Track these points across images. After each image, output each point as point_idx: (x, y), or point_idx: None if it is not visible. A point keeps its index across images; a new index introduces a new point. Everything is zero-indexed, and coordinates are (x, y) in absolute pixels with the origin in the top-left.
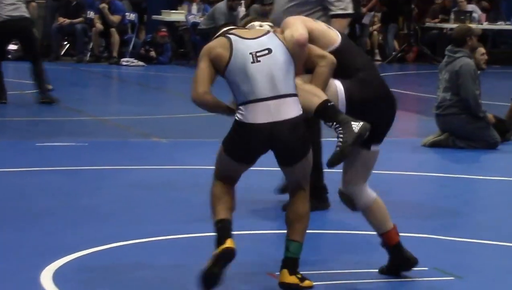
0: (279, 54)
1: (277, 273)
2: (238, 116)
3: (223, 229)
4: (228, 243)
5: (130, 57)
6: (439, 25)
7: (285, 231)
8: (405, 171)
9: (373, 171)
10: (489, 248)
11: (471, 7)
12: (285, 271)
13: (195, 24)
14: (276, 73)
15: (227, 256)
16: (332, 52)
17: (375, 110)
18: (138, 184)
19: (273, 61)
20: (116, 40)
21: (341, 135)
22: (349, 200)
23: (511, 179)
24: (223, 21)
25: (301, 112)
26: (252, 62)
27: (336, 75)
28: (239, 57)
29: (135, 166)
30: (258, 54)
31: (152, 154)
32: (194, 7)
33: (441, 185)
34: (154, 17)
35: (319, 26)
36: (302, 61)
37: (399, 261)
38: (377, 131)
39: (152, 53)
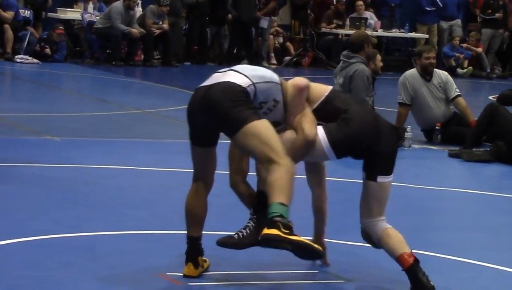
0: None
1: (168, 274)
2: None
3: (189, 248)
4: (186, 270)
5: (25, 54)
6: (334, 30)
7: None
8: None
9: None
10: (381, 252)
11: (367, 14)
12: (264, 228)
13: (91, 23)
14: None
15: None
16: (322, 101)
17: (365, 143)
18: (30, 181)
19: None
20: (10, 36)
21: (247, 229)
22: (368, 236)
23: (404, 184)
24: (119, 20)
25: (244, 85)
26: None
27: (328, 121)
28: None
29: (27, 163)
30: None
31: (44, 152)
32: (90, 6)
33: (335, 189)
34: (50, 14)
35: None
36: (295, 109)
37: (414, 286)
38: (378, 162)
39: (47, 51)
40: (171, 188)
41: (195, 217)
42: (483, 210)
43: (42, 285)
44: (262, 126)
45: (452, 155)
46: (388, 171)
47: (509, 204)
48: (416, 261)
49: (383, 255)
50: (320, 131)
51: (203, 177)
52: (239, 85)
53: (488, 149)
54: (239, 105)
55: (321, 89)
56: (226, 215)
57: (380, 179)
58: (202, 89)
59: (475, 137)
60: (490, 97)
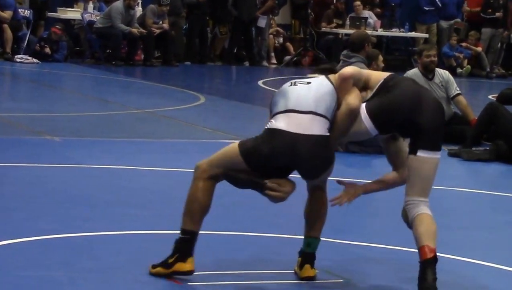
0: (318, 84)
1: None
2: (268, 125)
3: (188, 243)
4: (190, 266)
5: (25, 54)
6: (334, 30)
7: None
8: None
9: None
10: (378, 252)
11: (367, 13)
12: (308, 266)
13: (91, 23)
14: (306, 92)
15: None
16: (380, 86)
17: (403, 114)
18: (31, 181)
19: (309, 87)
20: (9, 36)
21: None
22: (405, 216)
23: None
24: (119, 20)
25: (327, 133)
26: (289, 86)
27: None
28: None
29: (28, 163)
30: (297, 81)
31: (44, 151)
32: (90, 6)
33: (336, 188)
34: (50, 14)
35: (370, 71)
36: (344, 93)
37: (418, 282)
38: (420, 135)
39: (47, 50)
40: (171, 188)
41: (205, 213)
42: (483, 209)
43: (43, 285)
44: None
45: (452, 154)
46: (430, 146)
47: (509, 203)
48: (434, 258)
49: (382, 255)
50: (362, 105)
51: (219, 177)
52: (326, 137)
53: (488, 148)
54: (323, 157)
55: (380, 75)
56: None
57: (421, 153)
58: (291, 140)
59: (475, 136)
60: (490, 97)
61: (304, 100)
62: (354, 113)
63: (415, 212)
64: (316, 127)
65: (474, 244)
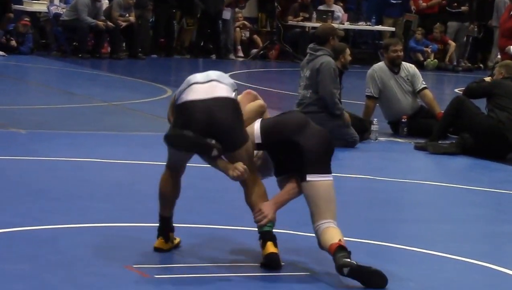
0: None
1: (135, 266)
2: (177, 102)
3: (161, 225)
4: (156, 243)
5: None
6: (301, 23)
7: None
8: None
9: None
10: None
11: (335, 7)
12: (270, 243)
13: (57, 15)
14: (206, 74)
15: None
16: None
17: (286, 131)
18: None
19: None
20: None
21: None
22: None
23: (369, 177)
24: (85, 13)
25: (234, 98)
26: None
27: None
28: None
29: None
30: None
31: (9, 144)
32: None
33: None
34: (16, 7)
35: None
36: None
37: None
38: (304, 158)
39: (13, 43)
40: (136, 181)
41: (168, 199)
42: (449, 202)
43: (6, 278)
44: (251, 146)
45: (418, 148)
46: (316, 169)
47: (475, 196)
48: (340, 246)
49: (350, 247)
50: (256, 125)
51: (179, 167)
52: (235, 100)
53: (454, 142)
54: (240, 122)
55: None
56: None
57: (310, 177)
58: (201, 106)
59: (441, 130)
60: (457, 90)
61: (205, 75)
62: (262, 110)
63: (320, 233)
64: (220, 90)
65: (439, 237)
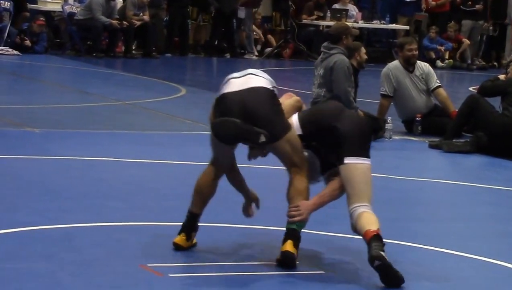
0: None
1: (149, 265)
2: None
3: (188, 222)
4: (177, 239)
5: (5, 46)
6: (315, 22)
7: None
8: (273, 165)
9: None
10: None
11: (349, 5)
12: (290, 241)
13: (71, 14)
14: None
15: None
16: None
17: (327, 120)
18: (10, 173)
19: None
20: None
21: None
22: (354, 227)
23: (384, 175)
24: (100, 12)
25: (272, 88)
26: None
27: None
28: None
29: (7, 155)
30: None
31: (24, 143)
32: None
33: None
34: (30, 6)
35: None
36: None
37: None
38: (342, 142)
39: (27, 43)
40: (152, 180)
41: (202, 196)
42: (464, 200)
43: (22, 277)
44: (296, 137)
45: (432, 146)
46: (355, 152)
47: (489, 195)
48: (377, 235)
49: (365, 246)
50: (295, 117)
51: (222, 164)
52: (272, 90)
53: (468, 140)
54: (279, 112)
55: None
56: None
57: (348, 160)
58: (236, 96)
59: (455, 128)
60: (471, 89)
61: (243, 72)
62: (299, 104)
63: (355, 216)
64: (256, 82)
65: (454, 236)
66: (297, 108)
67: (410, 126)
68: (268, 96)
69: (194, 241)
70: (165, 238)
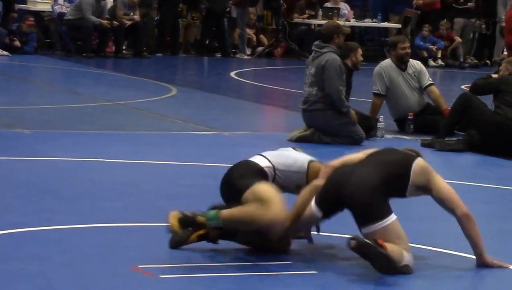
0: (298, 155)
1: (140, 266)
2: None
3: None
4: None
5: None
6: (307, 21)
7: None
8: None
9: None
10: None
11: (341, 4)
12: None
13: (61, 14)
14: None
15: None
16: None
17: (335, 191)
18: (1, 174)
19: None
20: None
21: None
22: None
23: None
24: (90, 11)
25: (262, 164)
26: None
27: None
28: None
29: None
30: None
31: (15, 144)
32: None
33: None
34: (20, 6)
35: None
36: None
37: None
38: (353, 210)
39: (17, 43)
40: (143, 180)
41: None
42: None
43: (14, 278)
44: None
45: (425, 145)
46: (367, 220)
47: (482, 193)
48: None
49: None
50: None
51: None
52: (257, 164)
53: (460, 138)
54: (246, 176)
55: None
56: None
57: (364, 230)
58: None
59: (448, 126)
60: (463, 87)
61: (274, 151)
62: (314, 191)
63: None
64: (258, 160)
65: (447, 234)
66: (314, 193)
67: (402, 125)
68: (247, 168)
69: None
70: (157, 239)
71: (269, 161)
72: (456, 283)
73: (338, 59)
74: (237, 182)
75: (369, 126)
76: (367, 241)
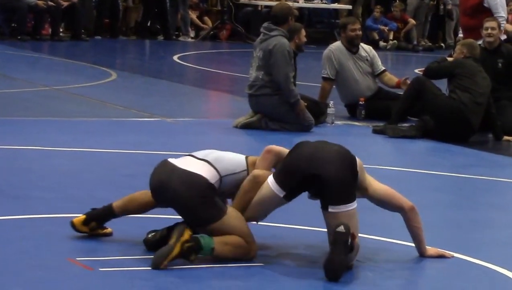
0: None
1: (78, 258)
2: None
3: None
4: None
5: None
6: (253, 2)
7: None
8: None
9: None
10: (298, 233)
11: None
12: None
13: None
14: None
15: None
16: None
17: (299, 170)
18: None
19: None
20: None
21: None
22: None
23: None
24: None
25: (211, 180)
26: None
27: None
28: None
29: None
30: None
31: None
32: None
33: None
34: None
35: None
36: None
37: None
38: (325, 189)
39: None
40: (81, 169)
41: (134, 202)
42: (409, 187)
43: None
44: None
45: (376, 131)
46: (338, 200)
47: (436, 181)
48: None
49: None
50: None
51: None
52: (206, 180)
53: (414, 124)
54: (207, 203)
55: None
56: None
57: (332, 209)
58: (163, 173)
59: (400, 112)
60: (416, 71)
61: (206, 153)
62: (256, 180)
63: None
64: (198, 168)
65: (399, 224)
66: (259, 183)
67: (353, 111)
68: (198, 187)
69: (104, 230)
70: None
71: (216, 170)
72: (410, 275)
73: (287, 44)
74: (190, 202)
75: (319, 112)
76: (352, 231)
